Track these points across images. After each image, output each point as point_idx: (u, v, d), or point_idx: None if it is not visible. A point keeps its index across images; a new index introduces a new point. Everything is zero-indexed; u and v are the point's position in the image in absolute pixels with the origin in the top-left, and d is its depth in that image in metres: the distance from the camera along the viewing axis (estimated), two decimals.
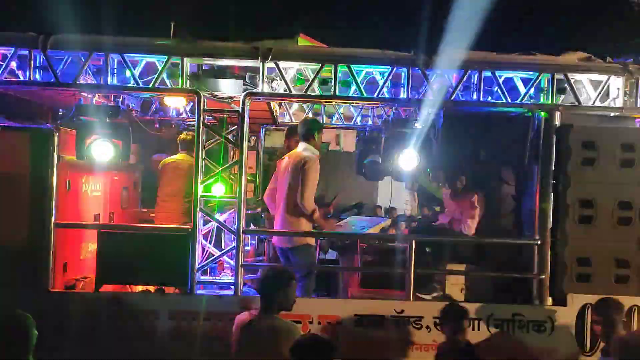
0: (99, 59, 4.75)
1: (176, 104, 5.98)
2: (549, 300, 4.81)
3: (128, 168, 6.19)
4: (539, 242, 4.84)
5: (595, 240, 4.80)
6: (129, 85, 4.79)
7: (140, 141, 6.25)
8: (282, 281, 3.51)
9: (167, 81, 5.04)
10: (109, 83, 4.73)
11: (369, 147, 6.29)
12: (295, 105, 6.79)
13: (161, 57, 4.77)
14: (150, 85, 4.79)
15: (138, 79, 4.77)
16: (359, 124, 7.02)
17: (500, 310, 4.75)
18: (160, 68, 4.75)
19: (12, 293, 4.20)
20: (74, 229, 5.02)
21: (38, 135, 4.71)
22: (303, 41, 6.39)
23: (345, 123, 7.06)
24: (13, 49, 4.67)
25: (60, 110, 5.66)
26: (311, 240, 4.95)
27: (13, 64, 4.74)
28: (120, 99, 5.44)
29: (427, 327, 4.70)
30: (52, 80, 4.71)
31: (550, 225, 4.83)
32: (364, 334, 4.66)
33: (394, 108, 6.10)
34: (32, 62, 4.68)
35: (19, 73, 4.80)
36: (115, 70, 4.78)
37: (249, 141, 6.92)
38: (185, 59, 4.73)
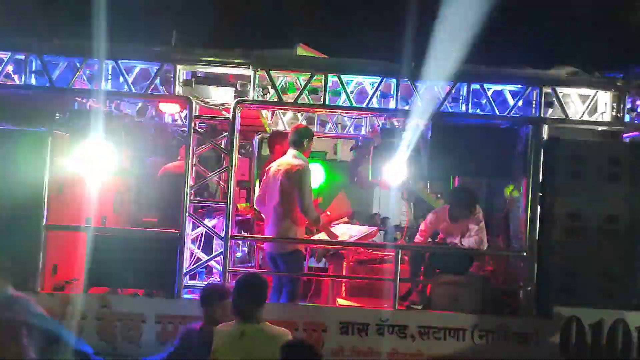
0: (94, 64, 4.84)
1: (171, 110, 6.06)
2: (535, 313, 4.82)
3: (122, 172, 6.24)
4: (525, 254, 4.86)
5: (582, 253, 4.82)
6: (122, 91, 4.87)
7: (135, 146, 6.30)
8: (266, 288, 3.53)
9: (160, 88, 5.14)
10: (102, 88, 4.81)
11: (361, 156, 6.33)
12: (290, 114, 6.86)
13: (154, 64, 4.86)
14: (143, 92, 4.87)
15: (131, 85, 4.86)
16: (352, 133, 7.07)
17: (486, 321, 4.76)
18: (153, 75, 4.84)
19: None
20: (65, 231, 5.08)
21: (32, 138, 4.79)
22: (302, 51, 6.47)
23: (339, 132, 7.11)
24: (9, 53, 4.77)
25: (57, 114, 5.75)
26: (301, 247, 4.98)
27: (9, 68, 4.84)
28: (114, 105, 5.52)
29: (412, 336, 4.71)
30: (47, 85, 4.80)
31: (537, 237, 4.85)
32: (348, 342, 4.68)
33: (385, 118, 6.15)
34: (27, 67, 4.78)
35: (15, 77, 4.90)
36: (110, 75, 4.87)
37: (243, 148, 6.98)
38: (178, 66, 4.82)
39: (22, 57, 4.77)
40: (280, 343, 3.33)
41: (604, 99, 5.04)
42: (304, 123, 6.87)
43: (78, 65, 4.81)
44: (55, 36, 4.83)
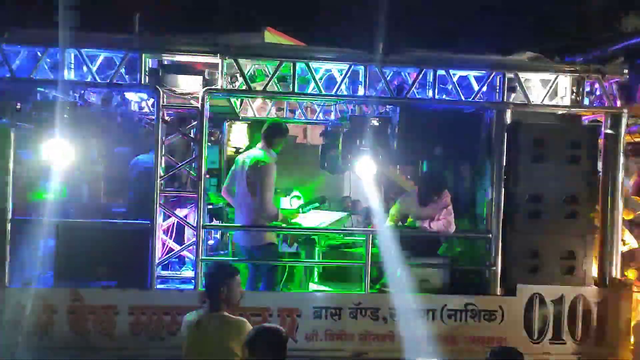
0: (57, 53, 4.71)
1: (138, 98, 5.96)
2: (500, 291, 5.00)
3: (89, 163, 6.14)
4: (490, 236, 5.03)
5: (544, 233, 5.01)
6: (86, 80, 4.77)
7: (102, 136, 6.19)
8: (225, 275, 3.55)
9: (126, 77, 5.05)
10: (66, 78, 4.70)
11: (330, 141, 6.37)
12: (259, 101, 6.83)
13: (119, 52, 4.77)
14: (108, 81, 4.78)
15: (95, 75, 4.76)
16: (321, 118, 7.10)
17: (454, 301, 4.93)
18: (118, 63, 4.75)
19: None
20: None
21: None
22: (271, 36, 6.42)
23: (308, 118, 7.14)
24: None
25: (18, 105, 5.58)
26: (274, 239, 5.04)
27: None
28: (78, 95, 5.39)
29: (384, 318, 4.84)
30: (7, 76, 4.66)
31: (501, 219, 5.01)
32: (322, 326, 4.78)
33: (354, 104, 6.20)
34: None
35: None
36: (73, 65, 4.75)
37: (213, 135, 6.92)
38: (143, 54, 4.74)
39: None
40: (235, 329, 3.41)
41: (564, 83, 5.18)
42: (274, 110, 6.88)
43: (39, 54, 4.67)
44: (14, 25, 4.67)
